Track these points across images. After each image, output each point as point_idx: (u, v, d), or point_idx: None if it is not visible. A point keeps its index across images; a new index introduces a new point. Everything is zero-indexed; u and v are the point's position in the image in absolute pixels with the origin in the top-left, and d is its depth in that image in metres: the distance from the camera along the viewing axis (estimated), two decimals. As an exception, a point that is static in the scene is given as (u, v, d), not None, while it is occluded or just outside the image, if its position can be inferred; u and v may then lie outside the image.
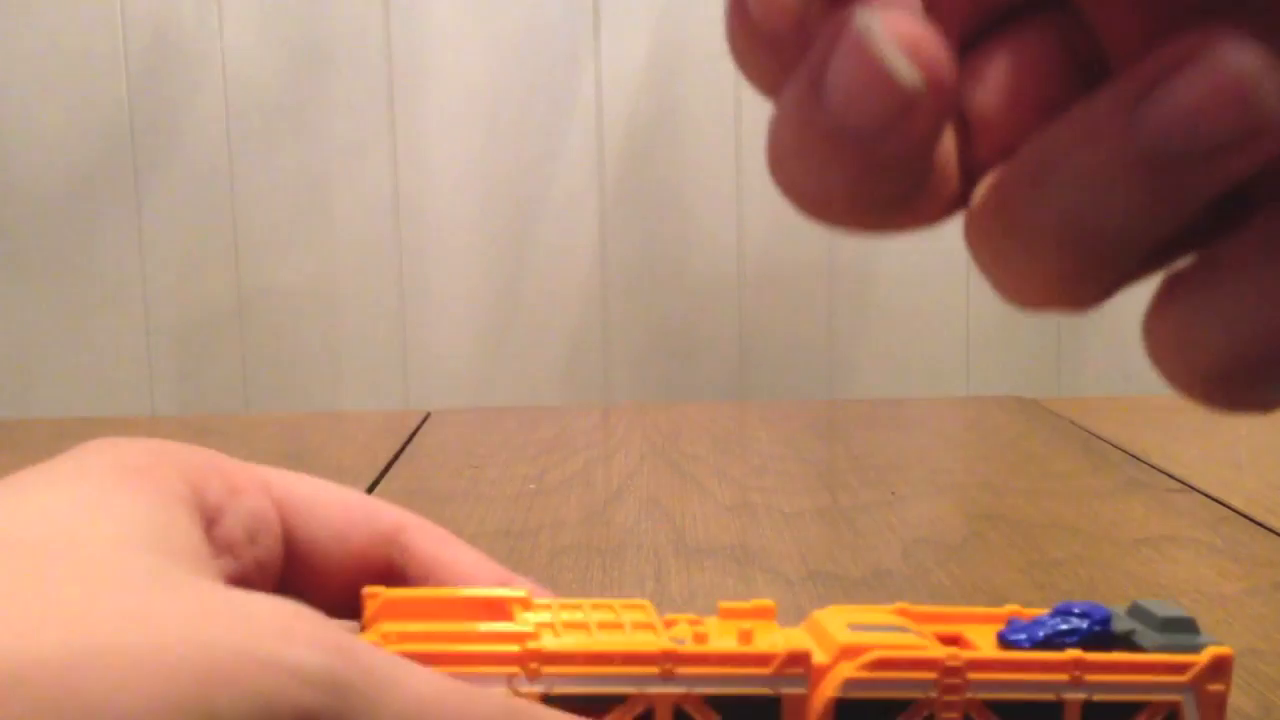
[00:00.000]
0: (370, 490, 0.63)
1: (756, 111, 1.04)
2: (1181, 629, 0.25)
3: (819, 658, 0.24)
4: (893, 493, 0.62)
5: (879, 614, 0.26)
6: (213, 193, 1.01)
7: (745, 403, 1.01)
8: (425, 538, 0.27)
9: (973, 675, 0.24)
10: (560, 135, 1.03)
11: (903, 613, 0.26)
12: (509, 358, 1.03)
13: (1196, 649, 0.24)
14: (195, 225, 1.01)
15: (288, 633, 0.19)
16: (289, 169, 1.01)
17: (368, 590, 0.24)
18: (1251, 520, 0.56)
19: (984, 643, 0.25)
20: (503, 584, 0.26)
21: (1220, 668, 0.24)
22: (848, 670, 0.23)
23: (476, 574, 0.27)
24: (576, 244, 1.03)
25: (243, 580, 0.25)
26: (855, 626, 0.25)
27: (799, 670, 0.23)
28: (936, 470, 0.68)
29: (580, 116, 1.02)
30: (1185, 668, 0.24)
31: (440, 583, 0.26)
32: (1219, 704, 0.24)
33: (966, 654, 0.24)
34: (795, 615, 0.45)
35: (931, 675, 0.23)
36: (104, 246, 1.01)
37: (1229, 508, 0.58)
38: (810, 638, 0.25)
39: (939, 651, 0.24)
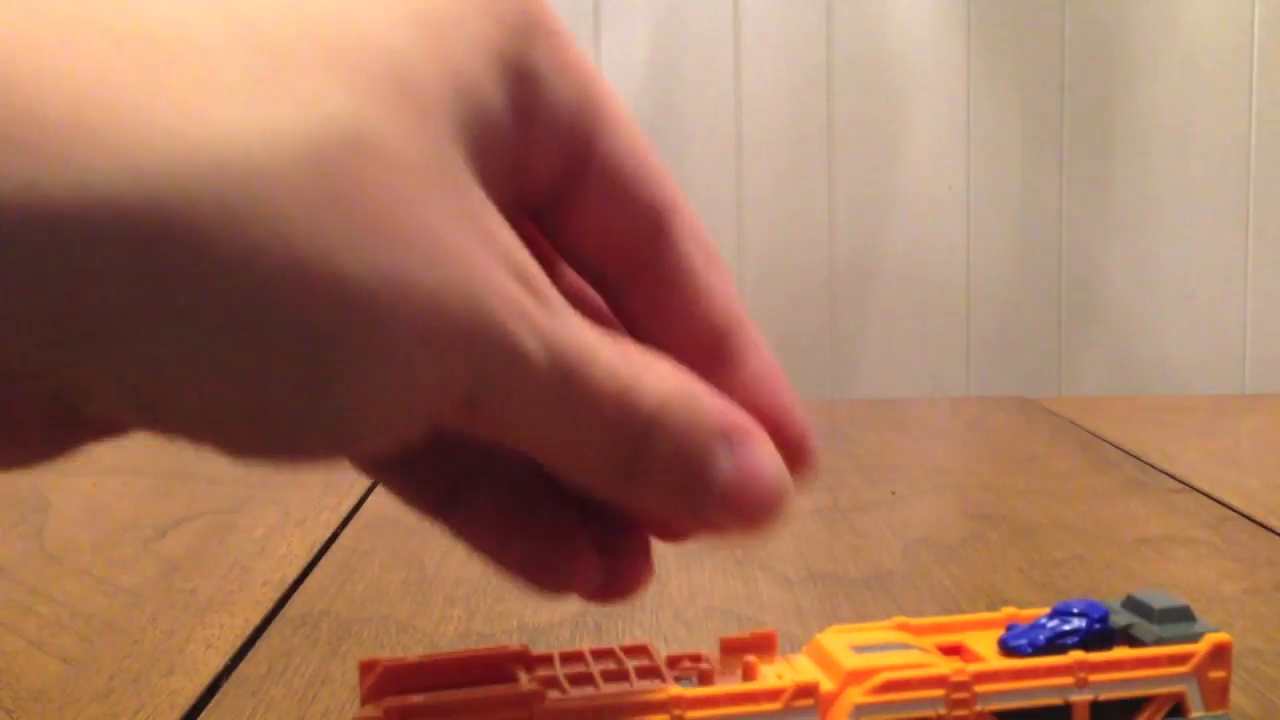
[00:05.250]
0: (369, 491, 0.63)
1: (756, 111, 1.04)
2: (1179, 618, 0.25)
3: (826, 686, 0.24)
4: (893, 493, 0.62)
5: (880, 632, 0.26)
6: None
7: (746, 403, 1.00)
8: (690, 238, 0.23)
9: (980, 688, 0.24)
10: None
11: (902, 627, 0.26)
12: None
13: (1195, 637, 0.25)
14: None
15: (523, 310, 0.17)
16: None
17: (364, 661, 0.24)
18: (1251, 520, 0.56)
19: (986, 650, 0.25)
20: (734, 321, 0.23)
21: (1220, 654, 0.25)
22: (856, 696, 0.24)
23: (711, 299, 0.23)
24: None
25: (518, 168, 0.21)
26: (859, 648, 0.25)
27: (809, 701, 0.23)
28: (936, 470, 0.68)
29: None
30: (1186, 658, 0.24)
31: (679, 294, 0.22)
32: (1222, 690, 0.25)
33: (972, 667, 0.24)
34: (796, 615, 0.45)
35: (939, 692, 0.24)
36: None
37: (1229, 508, 0.58)
38: (815, 665, 0.25)
39: (945, 667, 0.24)
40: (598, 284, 0.23)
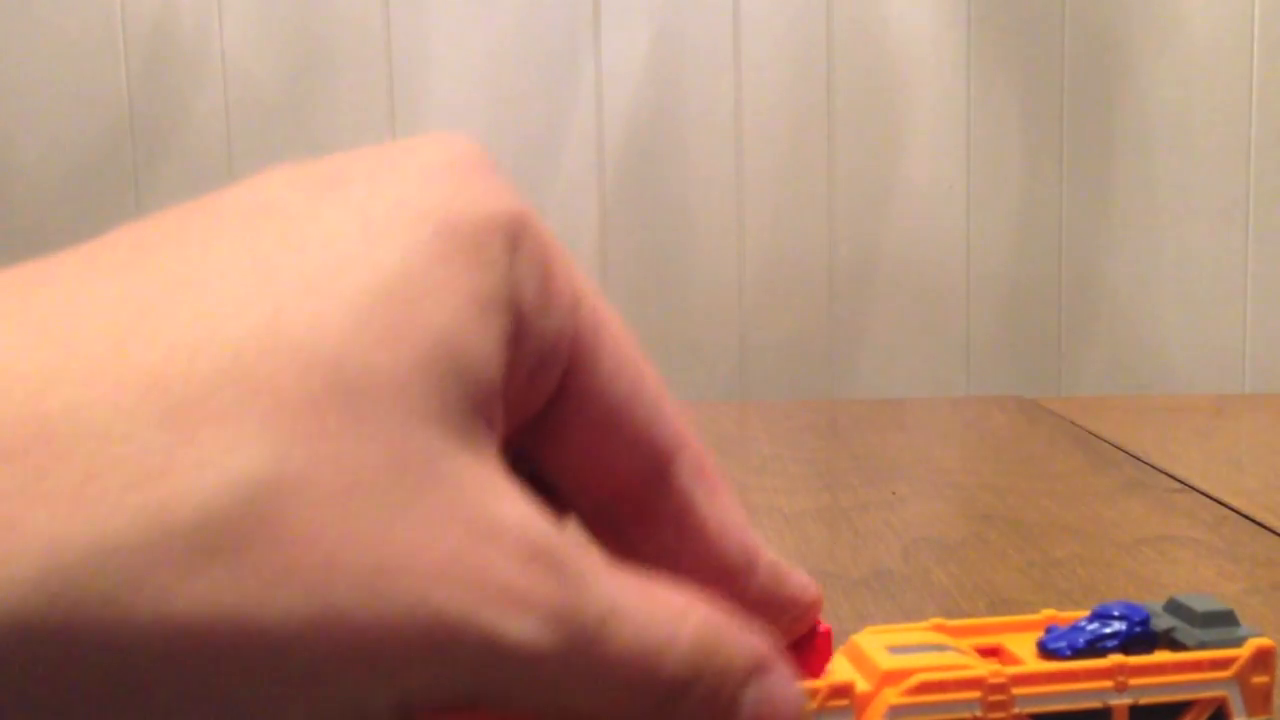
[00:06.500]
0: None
1: (757, 110, 1.04)
2: (1222, 622, 0.25)
3: (862, 686, 0.24)
4: (893, 493, 0.62)
5: (917, 633, 0.26)
6: (213, 191, 1.00)
7: (745, 403, 1.01)
8: (694, 479, 0.22)
9: (1017, 690, 0.24)
10: (560, 135, 1.02)
11: (939, 628, 0.26)
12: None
13: (1238, 642, 0.25)
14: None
15: (514, 595, 0.16)
16: (287, 167, 1.01)
17: None
18: (1251, 520, 0.56)
19: (1024, 652, 0.25)
20: (747, 558, 0.22)
21: (1263, 659, 0.24)
22: (892, 697, 0.23)
23: (722, 540, 0.22)
24: (576, 244, 1.03)
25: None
26: (895, 649, 0.24)
27: (844, 701, 0.23)
28: (936, 470, 0.68)
29: (580, 115, 1.02)
30: (1228, 663, 0.24)
31: (684, 535, 0.22)
32: (1265, 695, 0.24)
33: (1010, 669, 0.24)
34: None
35: (976, 694, 0.23)
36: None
37: (1229, 508, 0.58)
38: (851, 665, 0.25)
39: (982, 669, 0.24)
40: (594, 512, 0.22)
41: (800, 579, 0.23)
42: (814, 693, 0.23)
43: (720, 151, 1.03)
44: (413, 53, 1.01)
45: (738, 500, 0.23)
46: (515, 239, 0.19)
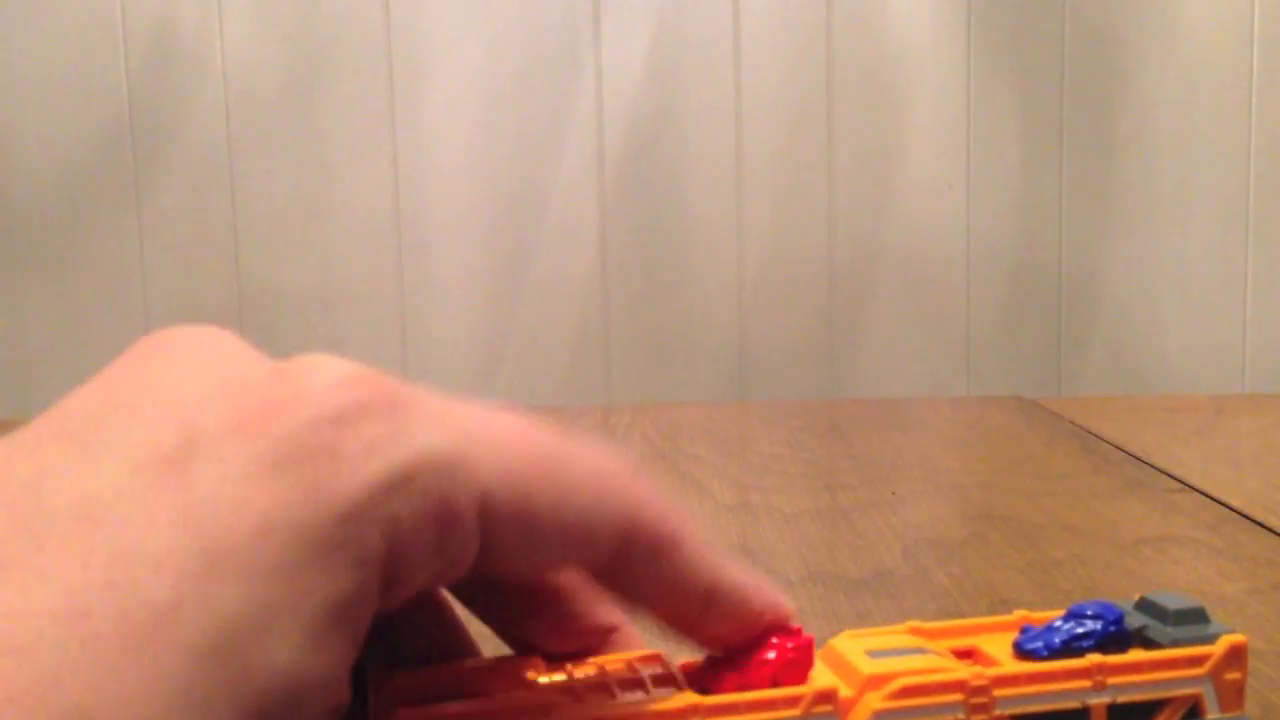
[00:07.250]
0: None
1: (757, 109, 1.04)
2: (1193, 619, 0.25)
3: (844, 691, 0.24)
4: (893, 493, 0.62)
5: (894, 636, 0.26)
6: (213, 192, 1.01)
7: (745, 403, 1.01)
8: (647, 549, 0.22)
9: (998, 692, 0.24)
10: (561, 134, 1.03)
11: (915, 631, 0.26)
12: (509, 358, 1.03)
13: (1210, 639, 0.25)
14: (195, 225, 1.01)
15: None
16: (289, 168, 1.01)
17: (375, 674, 0.24)
18: (1251, 520, 0.56)
19: (1000, 654, 0.25)
20: (759, 611, 0.23)
21: (1236, 656, 0.25)
22: (875, 702, 0.23)
23: (687, 594, 0.23)
24: (577, 244, 1.03)
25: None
26: (874, 653, 0.24)
27: (827, 707, 0.23)
28: (936, 470, 0.68)
29: (580, 115, 1.02)
30: (1202, 660, 0.24)
31: (653, 595, 0.23)
32: (1238, 691, 0.25)
33: (991, 671, 0.24)
34: (796, 615, 0.45)
35: (958, 697, 0.23)
36: (104, 246, 1.01)
37: (1229, 508, 0.58)
38: (831, 670, 0.25)
39: (962, 672, 0.24)
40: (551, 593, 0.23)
41: (768, 596, 0.24)
42: (797, 699, 0.23)
43: (720, 150, 1.04)
44: (413, 53, 1.01)
45: (702, 543, 0.23)
46: (394, 508, 0.18)
